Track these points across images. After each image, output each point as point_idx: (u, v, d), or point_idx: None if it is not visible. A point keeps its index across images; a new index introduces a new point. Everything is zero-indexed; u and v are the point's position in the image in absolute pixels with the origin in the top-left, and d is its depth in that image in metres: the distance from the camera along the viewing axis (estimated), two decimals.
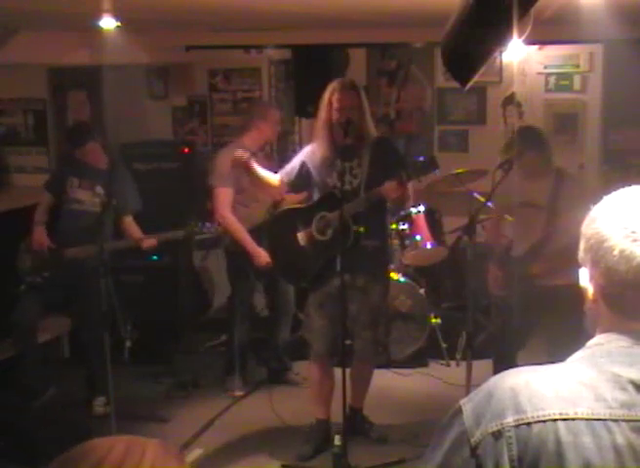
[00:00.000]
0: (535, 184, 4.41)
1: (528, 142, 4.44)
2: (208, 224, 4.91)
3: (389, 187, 4.14)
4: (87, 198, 5.11)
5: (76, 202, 5.12)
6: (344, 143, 4.24)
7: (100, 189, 5.10)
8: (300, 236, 4.44)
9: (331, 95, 4.27)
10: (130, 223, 5.17)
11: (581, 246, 1.30)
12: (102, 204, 5.09)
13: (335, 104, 4.26)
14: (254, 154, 5.11)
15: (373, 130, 4.42)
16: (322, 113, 4.32)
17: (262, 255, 5.08)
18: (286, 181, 4.49)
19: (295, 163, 4.50)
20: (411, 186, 5.87)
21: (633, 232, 1.23)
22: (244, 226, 5.16)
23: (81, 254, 4.95)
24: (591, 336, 1.32)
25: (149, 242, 5.02)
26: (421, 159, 4.31)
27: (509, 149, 4.56)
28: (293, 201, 4.73)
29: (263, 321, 5.83)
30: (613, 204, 1.29)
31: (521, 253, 4.52)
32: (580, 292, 4.29)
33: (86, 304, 5.05)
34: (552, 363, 1.30)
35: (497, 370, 4.34)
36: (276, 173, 4.95)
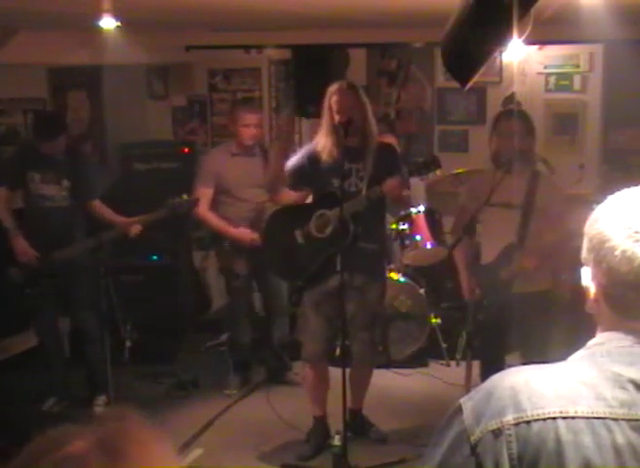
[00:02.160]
0: (511, 182, 4.17)
1: (522, 125, 4.24)
2: (185, 196, 4.88)
3: (390, 184, 4.15)
4: (54, 193, 4.94)
5: (44, 199, 4.94)
6: (350, 145, 4.24)
7: (66, 183, 4.93)
8: (298, 233, 4.45)
9: (329, 98, 4.30)
10: (100, 206, 5.01)
11: (584, 246, 1.31)
12: (72, 197, 4.94)
13: (334, 107, 4.27)
14: (236, 155, 5.20)
15: (375, 130, 4.42)
16: (325, 117, 4.34)
17: (243, 233, 5.16)
18: (290, 178, 4.48)
19: (300, 158, 4.48)
20: (421, 186, 5.90)
21: (636, 232, 1.23)
22: (230, 224, 5.22)
23: (71, 255, 4.88)
24: (590, 337, 1.32)
25: (135, 229, 4.88)
26: (422, 159, 4.30)
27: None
28: (284, 202, 4.70)
29: (261, 320, 5.83)
30: (615, 204, 1.29)
31: (492, 258, 4.34)
32: (550, 299, 4.24)
33: (80, 303, 5.03)
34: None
35: (484, 374, 4.32)
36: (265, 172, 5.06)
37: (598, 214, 1.29)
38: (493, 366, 4.23)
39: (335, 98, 4.27)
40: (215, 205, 5.27)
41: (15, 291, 4.92)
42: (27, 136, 6.09)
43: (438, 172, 4.29)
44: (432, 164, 4.19)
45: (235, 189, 5.24)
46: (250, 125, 5.20)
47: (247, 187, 5.23)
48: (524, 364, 1.48)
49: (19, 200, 5.10)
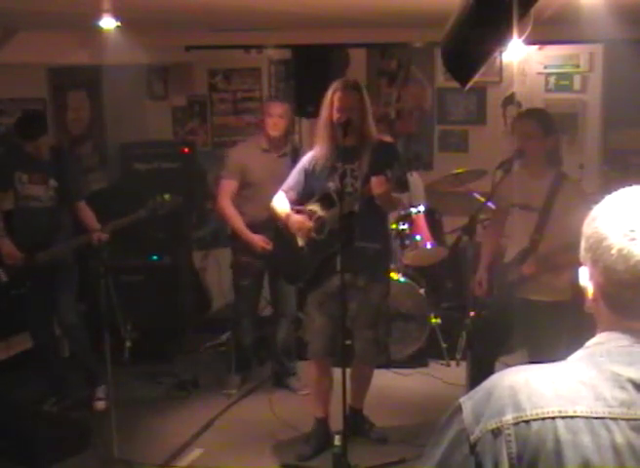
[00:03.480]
0: (533, 184, 4.17)
1: (540, 125, 4.15)
2: (166, 196, 4.83)
3: (375, 182, 4.11)
4: (42, 193, 4.93)
5: (32, 199, 4.93)
6: (346, 145, 4.22)
7: (53, 182, 4.92)
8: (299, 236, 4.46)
9: (332, 94, 4.27)
10: (84, 208, 5.00)
11: (582, 245, 1.31)
12: (59, 197, 4.93)
13: (335, 104, 4.25)
14: (266, 151, 5.17)
15: (374, 131, 4.40)
16: (324, 113, 4.31)
17: (257, 240, 5.13)
18: (294, 198, 4.49)
19: (296, 175, 4.49)
20: (421, 186, 5.90)
21: (632, 231, 1.22)
22: (247, 219, 5.20)
23: (54, 256, 4.87)
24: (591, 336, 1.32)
25: (98, 236, 4.73)
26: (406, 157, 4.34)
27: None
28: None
29: (264, 320, 5.83)
30: (613, 203, 1.29)
31: (510, 259, 4.30)
32: (561, 310, 4.16)
33: (63, 303, 5.01)
34: None
35: (472, 373, 4.30)
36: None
37: (595, 214, 1.29)
38: (483, 363, 4.22)
39: (338, 95, 4.24)
40: (235, 198, 5.25)
41: (0, 291, 4.91)
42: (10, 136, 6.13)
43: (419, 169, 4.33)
44: (414, 162, 4.23)
45: (259, 185, 5.13)
46: (274, 114, 5.14)
47: (271, 185, 4.92)
48: None
49: (8, 202, 5.08)
